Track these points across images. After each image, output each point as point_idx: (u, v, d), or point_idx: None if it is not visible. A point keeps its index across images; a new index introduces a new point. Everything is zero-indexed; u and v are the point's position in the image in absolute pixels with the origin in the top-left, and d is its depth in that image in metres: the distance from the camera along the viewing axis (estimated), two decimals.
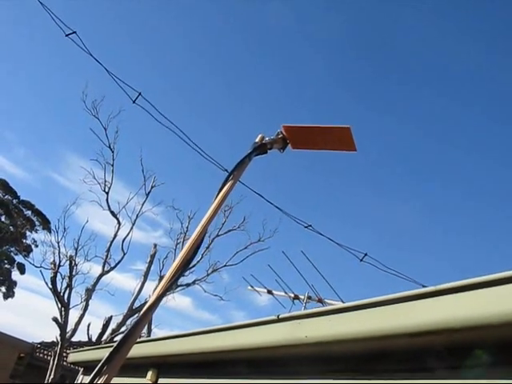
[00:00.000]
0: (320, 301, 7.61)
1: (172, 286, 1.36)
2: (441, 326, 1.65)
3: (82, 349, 6.40)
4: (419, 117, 25.37)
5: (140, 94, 4.38)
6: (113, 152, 19.26)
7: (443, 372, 1.78)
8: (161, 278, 19.12)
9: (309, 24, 24.15)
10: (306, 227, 5.15)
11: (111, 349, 1.22)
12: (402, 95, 27.05)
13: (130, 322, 18.68)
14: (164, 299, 1.40)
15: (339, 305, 2.16)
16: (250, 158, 1.72)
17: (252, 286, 8.05)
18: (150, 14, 25.59)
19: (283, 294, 7.73)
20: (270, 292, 7.97)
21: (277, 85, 28.62)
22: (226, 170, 4.77)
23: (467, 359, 1.70)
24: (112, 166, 19.38)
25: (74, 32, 4.43)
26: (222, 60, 28.93)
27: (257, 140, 1.80)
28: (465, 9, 22.65)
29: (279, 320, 2.46)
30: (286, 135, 1.93)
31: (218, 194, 1.59)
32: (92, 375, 1.17)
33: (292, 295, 7.70)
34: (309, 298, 7.74)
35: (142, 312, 1.31)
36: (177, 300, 21.54)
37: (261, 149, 1.78)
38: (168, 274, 1.38)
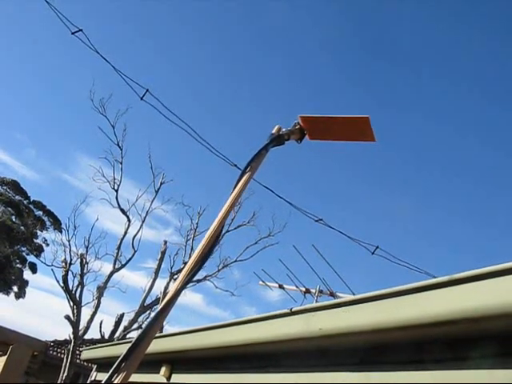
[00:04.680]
0: (332, 294, 7.57)
1: (190, 280, 1.33)
2: (458, 315, 1.63)
3: (94, 346, 6.42)
4: (429, 112, 25.17)
5: (147, 90, 4.37)
6: (121, 150, 19.35)
7: (458, 362, 1.76)
8: (171, 274, 19.17)
9: (314, 20, 24.04)
10: (316, 221, 5.13)
11: (129, 346, 1.20)
12: (418, 89, 26.87)
13: (142, 318, 18.78)
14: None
15: (352, 297, 2.15)
16: (267, 150, 1.68)
17: (263, 281, 8.02)
18: (157, 10, 25.58)
19: (294, 288, 7.70)
20: (281, 286, 7.94)
21: (285, 80, 28.55)
22: (236, 165, 4.75)
23: (484, 348, 1.69)
24: (121, 163, 19.46)
25: (80, 30, 4.42)
26: (229, 55, 28.88)
27: (273, 131, 1.76)
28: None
29: (292, 313, 2.45)
30: (303, 126, 1.89)
31: (236, 186, 1.55)
32: (109, 373, 1.14)
33: (303, 289, 7.67)
34: (320, 291, 7.70)
35: (159, 308, 1.27)
36: (188, 297, 21.55)
37: (278, 140, 1.74)
38: (186, 268, 1.35)
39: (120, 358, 1.16)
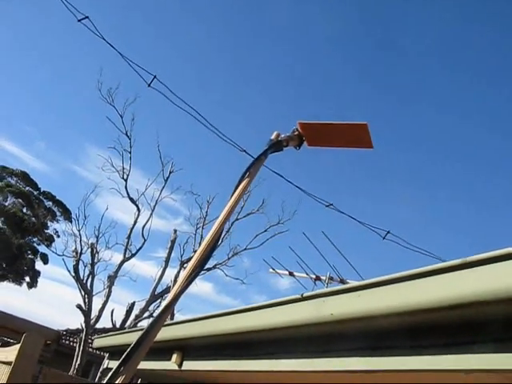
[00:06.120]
0: (342, 281, 7.57)
1: (188, 286, 1.35)
2: (470, 298, 1.61)
3: (106, 334, 6.47)
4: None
5: (155, 76, 4.34)
6: (130, 139, 19.34)
7: (469, 346, 1.75)
8: (181, 263, 19.25)
9: (322, 13, 23.89)
10: (327, 206, 5.10)
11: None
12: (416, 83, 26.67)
13: (153, 307, 18.92)
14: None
15: (364, 281, 2.13)
16: (266, 156, 1.70)
17: (273, 269, 8.04)
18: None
19: (305, 275, 7.71)
20: (291, 274, 7.96)
21: (293, 74, 28.43)
22: (245, 151, 4.73)
23: (494, 332, 1.67)
24: (129, 153, 19.47)
25: (87, 17, 4.39)
26: (238, 44, 28.77)
27: (272, 137, 1.78)
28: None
29: (303, 299, 2.44)
30: (301, 132, 1.88)
31: (234, 191, 1.57)
32: (108, 376, 1.16)
33: (314, 276, 7.68)
34: (331, 278, 7.71)
35: (158, 312, 1.31)
36: (198, 286, 21.67)
37: (276, 146, 1.75)
38: (185, 272, 1.37)
39: (119, 362, 1.19)
